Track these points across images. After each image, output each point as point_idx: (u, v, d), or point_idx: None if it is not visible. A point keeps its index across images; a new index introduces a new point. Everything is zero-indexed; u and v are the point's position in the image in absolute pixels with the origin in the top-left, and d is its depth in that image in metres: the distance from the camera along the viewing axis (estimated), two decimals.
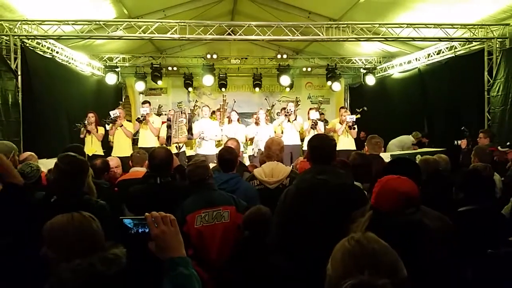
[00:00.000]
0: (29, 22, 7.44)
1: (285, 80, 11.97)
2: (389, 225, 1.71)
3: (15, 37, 7.34)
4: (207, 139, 8.12)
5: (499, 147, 5.95)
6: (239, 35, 8.14)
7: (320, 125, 8.63)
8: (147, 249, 1.29)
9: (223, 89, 12.46)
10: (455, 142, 7.23)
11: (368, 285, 1.03)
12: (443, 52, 9.10)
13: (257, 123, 8.78)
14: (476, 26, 7.70)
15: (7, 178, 2.61)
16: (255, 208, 2.79)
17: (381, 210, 1.96)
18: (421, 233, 1.78)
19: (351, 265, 1.14)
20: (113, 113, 8.02)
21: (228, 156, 3.60)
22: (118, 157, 7.19)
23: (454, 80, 8.59)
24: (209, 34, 8.13)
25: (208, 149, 8.08)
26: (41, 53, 8.37)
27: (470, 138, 6.94)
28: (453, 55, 8.78)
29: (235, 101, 10.86)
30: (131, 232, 1.32)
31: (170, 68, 12.45)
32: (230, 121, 8.90)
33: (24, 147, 6.69)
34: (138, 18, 8.39)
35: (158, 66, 11.92)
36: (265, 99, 12.81)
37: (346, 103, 13.55)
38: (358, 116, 8.86)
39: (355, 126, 8.47)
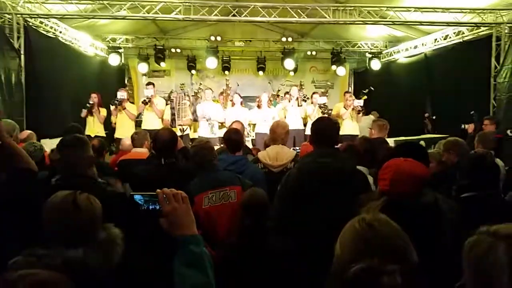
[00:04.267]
0: (32, 1, 7.36)
1: (289, 63, 11.85)
2: (406, 208, 1.70)
3: (18, 15, 7.27)
4: (211, 122, 8.09)
5: (509, 132, 5.89)
6: (244, 16, 8.04)
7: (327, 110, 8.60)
8: (158, 225, 1.28)
9: (226, 72, 12.36)
10: (462, 126, 7.16)
11: (377, 270, 1.01)
12: (450, 37, 8.98)
13: (259, 106, 8.73)
14: (485, 11, 7.57)
15: (22, 163, 2.58)
16: (249, 192, 2.77)
17: (396, 195, 1.93)
18: (438, 214, 1.77)
19: (361, 248, 1.11)
20: (120, 95, 7.97)
21: (235, 137, 3.59)
22: (120, 138, 7.23)
23: (461, 65, 8.49)
24: (213, 15, 8.03)
25: (210, 131, 8.05)
26: (44, 32, 8.30)
27: (478, 123, 6.88)
28: (460, 40, 8.67)
29: (238, 85, 10.79)
30: (142, 209, 1.30)
31: (173, 50, 12.33)
32: (233, 104, 8.85)
33: (27, 126, 6.67)
34: None
35: (162, 47, 11.81)
36: (269, 82, 12.75)
37: (350, 88, 13.44)
38: (365, 97, 8.78)
39: (364, 111, 8.42)
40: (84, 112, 7.83)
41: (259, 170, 3.62)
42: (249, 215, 2.57)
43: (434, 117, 9.55)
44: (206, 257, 1.26)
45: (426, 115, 9.78)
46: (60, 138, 2.74)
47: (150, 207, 1.30)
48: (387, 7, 7.94)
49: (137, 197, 1.31)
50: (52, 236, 1.59)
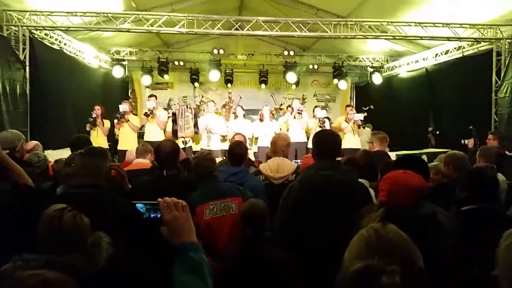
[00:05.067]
0: (38, 13, 7.47)
1: (291, 77, 11.95)
2: (404, 219, 1.71)
3: (24, 27, 7.37)
4: (214, 132, 8.12)
5: (507, 152, 5.91)
6: (246, 30, 8.14)
7: (327, 123, 8.65)
8: (158, 234, 1.31)
9: (229, 84, 12.46)
10: (462, 141, 7.19)
11: (377, 268, 1.03)
12: (451, 52, 9.05)
13: (261, 120, 8.79)
14: (485, 26, 7.65)
15: (19, 178, 2.64)
16: (248, 202, 2.79)
17: (394, 206, 1.95)
18: (436, 226, 1.78)
19: (364, 251, 1.14)
20: (122, 108, 8.05)
21: (239, 150, 3.62)
22: (123, 150, 7.28)
23: (462, 80, 8.54)
24: (216, 29, 8.13)
25: (213, 144, 8.09)
26: (49, 44, 8.40)
27: (477, 138, 6.90)
28: (461, 55, 8.73)
29: (240, 97, 10.86)
30: (144, 217, 1.34)
31: (176, 63, 12.45)
32: (236, 117, 8.91)
33: (31, 138, 6.71)
34: (146, 11, 8.39)
35: (165, 60, 11.93)
36: (271, 96, 12.83)
37: (352, 101, 13.52)
38: (365, 114, 8.85)
39: (365, 126, 8.47)
40: (88, 126, 7.89)
41: (260, 182, 3.64)
42: (248, 226, 2.59)
43: (437, 132, 9.57)
44: (205, 265, 1.28)
45: (430, 129, 9.81)
46: (65, 148, 2.79)
47: (152, 215, 1.33)
48: (388, 21, 8.03)
49: (139, 205, 1.34)
50: (42, 246, 1.73)
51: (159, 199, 1.34)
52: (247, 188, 3.20)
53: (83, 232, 1.78)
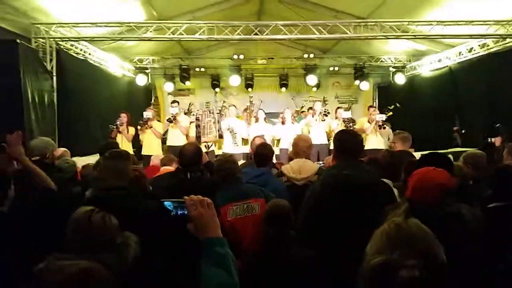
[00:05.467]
0: (64, 25, 7.74)
1: (311, 79, 11.93)
2: (428, 216, 1.71)
3: (51, 39, 7.63)
4: (235, 135, 8.18)
5: None
6: (265, 34, 8.19)
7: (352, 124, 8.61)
8: (186, 229, 1.36)
9: (249, 89, 12.53)
10: (488, 139, 7.02)
11: (396, 263, 1.04)
12: (474, 49, 8.87)
13: (283, 123, 8.81)
14: (510, 22, 7.47)
15: (41, 183, 2.75)
16: (272, 202, 2.81)
17: (419, 202, 1.95)
18: (461, 223, 1.77)
19: (384, 245, 1.15)
20: (145, 114, 8.23)
21: (265, 151, 3.67)
22: (147, 155, 7.42)
23: (487, 78, 8.36)
24: (236, 35, 8.21)
25: (234, 148, 8.15)
26: (74, 54, 8.67)
27: (505, 135, 6.72)
28: (486, 52, 8.55)
29: (261, 101, 10.90)
30: (171, 214, 1.40)
31: (197, 69, 12.61)
32: (257, 120, 8.95)
33: (59, 145, 6.89)
34: (167, 20, 8.56)
35: (186, 67, 12.12)
36: (292, 99, 12.83)
37: (374, 102, 13.36)
38: (391, 113, 8.74)
39: (385, 126, 8.37)
40: (113, 132, 8.07)
41: (282, 183, 3.66)
42: (272, 225, 2.61)
43: (463, 131, 9.37)
44: (231, 259, 1.33)
45: (455, 128, 9.62)
46: (92, 155, 2.89)
47: (179, 212, 1.40)
48: (409, 21, 7.94)
49: (167, 203, 1.41)
50: (71, 248, 1.75)
51: (186, 197, 1.40)
52: (270, 190, 3.22)
53: (112, 233, 1.83)
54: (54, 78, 7.58)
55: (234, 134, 8.16)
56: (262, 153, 3.68)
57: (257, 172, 3.52)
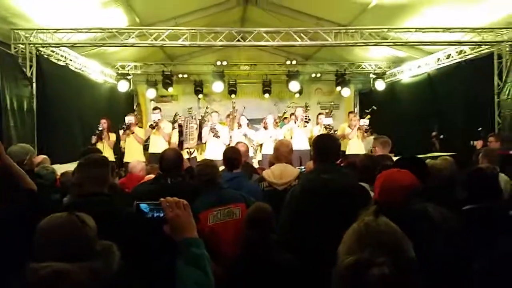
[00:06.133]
0: (44, 31, 7.66)
1: (294, 86, 12.03)
2: (395, 216, 1.75)
3: (31, 45, 7.54)
4: (217, 129, 8.17)
5: (510, 152, 5.90)
6: (248, 41, 8.25)
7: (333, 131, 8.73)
8: (162, 231, 1.38)
9: (232, 95, 12.55)
10: (471, 143, 7.20)
11: (366, 262, 1.08)
12: (452, 56, 9.10)
13: (265, 127, 8.86)
14: (485, 30, 7.70)
15: (22, 183, 2.69)
16: (254, 206, 2.84)
17: (386, 203, 2.01)
18: (426, 222, 1.82)
19: (355, 244, 1.18)
20: (128, 120, 8.17)
21: (232, 155, 3.71)
22: (128, 162, 7.37)
23: (464, 84, 8.58)
24: (219, 41, 8.25)
25: (217, 153, 8.15)
26: (55, 61, 8.57)
27: (486, 139, 6.91)
28: (463, 59, 8.78)
29: (244, 108, 10.94)
30: (147, 217, 1.42)
31: (180, 76, 12.58)
32: (240, 126, 8.98)
33: (39, 152, 6.79)
34: (149, 26, 8.54)
35: (169, 73, 12.07)
36: (275, 105, 12.90)
37: (355, 108, 13.55)
38: (369, 116, 8.89)
39: (371, 132, 8.53)
40: (94, 138, 8.00)
41: (257, 186, 3.71)
42: (253, 228, 2.63)
43: (441, 136, 9.56)
44: (206, 259, 1.35)
45: (434, 133, 9.81)
46: (72, 162, 2.85)
47: (155, 214, 1.41)
48: (388, 28, 8.11)
49: (143, 205, 1.43)
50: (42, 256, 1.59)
51: (162, 199, 1.42)
52: (244, 193, 3.25)
53: (89, 239, 1.75)
54: (34, 84, 7.48)
55: (216, 131, 8.16)
56: (230, 156, 3.73)
57: (230, 175, 3.56)
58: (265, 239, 2.66)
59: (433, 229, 1.85)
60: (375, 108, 9.13)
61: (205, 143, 8.56)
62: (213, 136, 8.19)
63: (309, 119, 8.80)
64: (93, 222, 1.74)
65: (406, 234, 1.29)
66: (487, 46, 8.06)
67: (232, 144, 7.98)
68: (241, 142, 5.40)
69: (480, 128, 7.20)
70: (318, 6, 8.77)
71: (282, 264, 2.54)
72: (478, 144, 7.04)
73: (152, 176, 4.60)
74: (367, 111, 9.22)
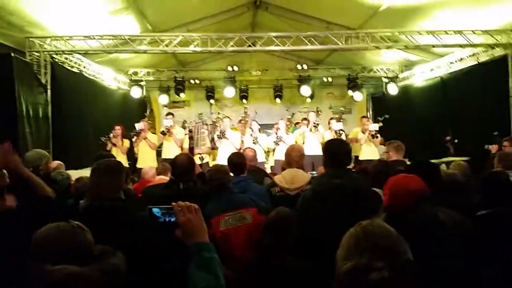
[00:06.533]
0: (58, 38, 7.79)
1: (305, 90, 12.02)
2: (402, 221, 1.75)
3: (45, 53, 7.69)
4: (224, 133, 8.22)
5: None
6: (259, 46, 8.29)
7: (343, 136, 8.68)
8: (174, 235, 1.40)
9: (244, 100, 12.60)
10: (486, 147, 7.10)
11: (365, 267, 1.08)
12: (465, 59, 9.00)
13: (277, 133, 8.87)
14: (498, 31, 7.61)
15: (40, 192, 2.74)
16: (276, 210, 2.84)
17: (395, 208, 2.00)
18: (435, 227, 1.81)
19: (352, 247, 1.19)
20: (138, 126, 8.26)
21: (237, 159, 3.78)
22: (142, 168, 7.43)
23: (478, 87, 8.46)
24: (229, 47, 8.30)
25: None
26: (69, 68, 8.71)
27: (501, 144, 6.81)
28: (476, 62, 8.68)
29: (256, 113, 10.98)
30: (160, 221, 1.44)
31: (192, 81, 12.67)
32: (252, 131, 8.99)
33: (53, 158, 6.91)
34: (161, 33, 8.64)
35: (181, 79, 12.17)
36: (286, 110, 12.90)
37: (368, 112, 13.47)
38: (381, 124, 8.83)
39: (378, 135, 8.45)
40: (107, 145, 8.08)
41: (263, 188, 3.74)
42: (271, 232, 2.63)
43: (456, 140, 9.45)
44: (217, 263, 1.36)
45: (448, 138, 9.69)
46: (86, 168, 2.89)
47: (167, 219, 1.43)
48: (399, 31, 8.07)
49: (155, 210, 1.45)
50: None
51: (173, 203, 1.44)
52: (251, 195, 3.27)
53: (87, 244, 1.62)
54: (49, 91, 7.61)
55: (222, 134, 8.20)
56: (236, 161, 3.80)
57: (237, 179, 3.59)
58: (282, 244, 2.66)
59: (442, 233, 1.84)
60: (387, 117, 9.07)
61: (217, 148, 8.60)
62: (220, 138, 8.22)
63: (318, 123, 8.76)
64: (88, 231, 1.65)
65: (416, 239, 1.28)
66: (500, 48, 7.95)
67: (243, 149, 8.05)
68: (249, 147, 5.42)
69: (496, 132, 7.09)
70: (328, 10, 8.77)
71: (295, 269, 2.53)
72: (493, 148, 6.93)
73: (163, 177, 4.67)
74: (379, 118, 9.15)
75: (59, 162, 5.22)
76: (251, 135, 8.57)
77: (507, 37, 7.60)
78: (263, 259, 2.64)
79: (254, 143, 8.27)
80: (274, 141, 8.62)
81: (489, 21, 7.40)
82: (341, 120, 9.45)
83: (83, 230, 1.64)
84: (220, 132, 8.26)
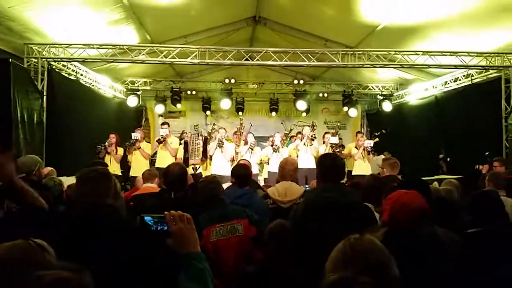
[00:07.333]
0: (57, 46, 7.82)
1: (301, 105, 12.09)
2: (404, 239, 1.76)
3: (43, 59, 7.70)
4: (224, 138, 8.23)
5: None
6: (256, 60, 8.36)
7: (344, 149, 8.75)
8: (165, 244, 1.40)
9: (240, 113, 12.66)
10: (476, 167, 7.16)
11: (348, 281, 1.09)
12: (459, 79, 9.12)
13: (272, 146, 8.90)
14: (492, 54, 7.75)
15: (31, 201, 2.72)
16: (276, 222, 2.85)
17: (395, 226, 2.01)
18: (437, 245, 1.82)
19: (339, 260, 1.20)
20: (134, 136, 8.28)
21: (244, 171, 3.73)
22: (135, 176, 7.42)
23: (472, 107, 8.57)
24: (227, 60, 8.37)
25: (222, 169, 8.18)
26: (66, 75, 8.72)
27: (492, 164, 6.87)
28: (470, 83, 8.80)
29: (251, 125, 11.01)
30: (151, 229, 1.44)
31: (189, 92, 12.72)
32: (246, 143, 9.03)
33: (46, 164, 6.87)
34: (160, 44, 8.70)
35: (178, 90, 12.23)
36: (281, 123, 12.96)
37: (362, 128, 13.57)
38: (377, 139, 8.89)
39: (374, 152, 8.52)
40: (101, 153, 8.06)
41: (264, 202, 3.72)
42: (272, 245, 2.64)
43: (448, 159, 9.52)
44: (207, 273, 1.37)
45: (441, 156, 9.77)
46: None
47: (159, 227, 1.44)
48: (396, 51, 8.18)
49: (147, 218, 1.46)
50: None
51: (166, 212, 1.45)
52: (253, 210, 3.26)
53: (47, 264, 1.33)
54: (45, 97, 7.60)
55: (221, 143, 8.23)
56: (241, 173, 3.79)
57: (240, 192, 3.57)
58: (282, 254, 2.67)
59: (442, 250, 1.85)
60: (384, 131, 9.13)
61: (210, 159, 8.61)
62: (218, 147, 8.24)
63: (315, 137, 8.82)
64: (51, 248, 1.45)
65: (415, 258, 1.29)
66: (494, 70, 8.08)
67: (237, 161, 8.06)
68: (244, 159, 5.43)
69: (488, 153, 7.17)
70: (326, 28, 8.89)
71: (294, 281, 2.53)
72: (484, 168, 7.00)
73: (150, 185, 4.64)
74: (376, 134, 9.21)
75: (50, 168, 5.20)
76: (250, 144, 8.63)
77: (501, 60, 7.74)
78: (265, 270, 2.64)
79: (251, 148, 8.32)
80: (273, 148, 8.66)
81: (484, 44, 7.53)
82: (337, 135, 9.48)
83: (43, 250, 1.39)
84: (219, 141, 8.29)
